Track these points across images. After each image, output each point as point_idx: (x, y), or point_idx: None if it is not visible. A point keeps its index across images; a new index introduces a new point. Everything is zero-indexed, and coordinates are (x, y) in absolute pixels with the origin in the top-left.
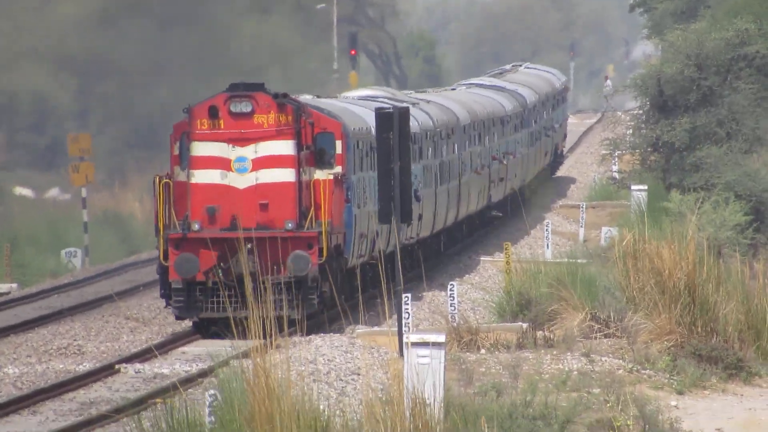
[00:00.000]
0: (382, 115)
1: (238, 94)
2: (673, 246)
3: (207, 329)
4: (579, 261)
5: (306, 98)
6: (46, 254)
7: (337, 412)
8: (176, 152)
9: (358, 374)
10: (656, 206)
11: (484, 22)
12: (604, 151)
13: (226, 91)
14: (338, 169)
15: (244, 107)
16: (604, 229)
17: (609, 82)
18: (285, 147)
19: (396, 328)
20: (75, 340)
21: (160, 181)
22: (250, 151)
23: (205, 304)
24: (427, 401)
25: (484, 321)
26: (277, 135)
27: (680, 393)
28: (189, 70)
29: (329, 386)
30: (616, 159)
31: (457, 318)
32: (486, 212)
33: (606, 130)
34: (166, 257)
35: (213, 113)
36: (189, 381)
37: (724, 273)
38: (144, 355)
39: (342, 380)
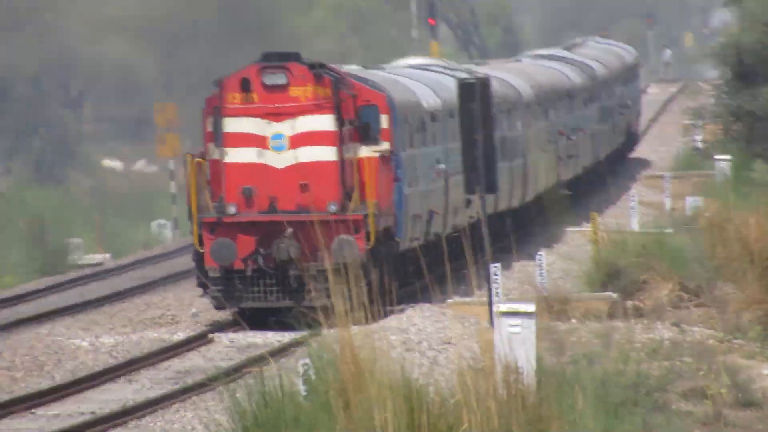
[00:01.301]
0: (464, 86)
1: (271, 65)
2: (759, 215)
3: (250, 319)
4: (666, 230)
5: (350, 68)
6: (135, 226)
7: (430, 381)
8: (209, 128)
9: (450, 344)
10: (741, 176)
11: None
12: (686, 121)
13: (258, 62)
14: (385, 145)
15: (279, 79)
16: (689, 199)
17: (668, 51)
18: (324, 122)
19: (486, 298)
20: (168, 310)
21: (192, 160)
22: (287, 127)
23: (245, 293)
24: (519, 370)
25: (574, 291)
26: (316, 109)
27: None
28: (268, 37)
29: (421, 355)
30: (700, 128)
31: (546, 288)
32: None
33: (688, 99)
34: (201, 243)
35: (245, 86)
36: (282, 351)
37: None
38: (237, 325)
39: (434, 349)
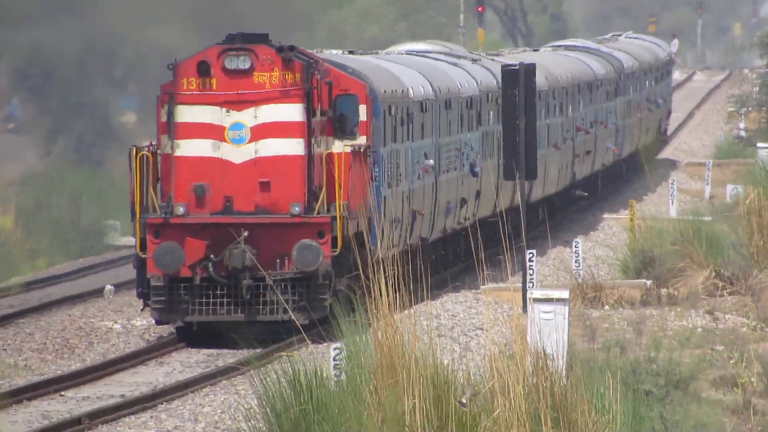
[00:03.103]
0: (507, 72)
1: (234, 47)
2: None
3: (193, 336)
4: (704, 218)
5: (331, 53)
6: None
7: (462, 366)
8: (163, 119)
9: (482, 329)
10: None
11: None
12: (730, 108)
13: (219, 44)
14: (362, 139)
15: (242, 63)
16: (729, 186)
17: (675, 41)
18: (291, 111)
19: (520, 284)
20: None
21: (137, 154)
22: (248, 117)
23: (192, 305)
24: (550, 356)
25: (608, 278)
26: (282, 97)
27: None
28: (313, 24)
29: (453, 341)
30: (743, 116)
31: (581, 274)
32: (570, 191)
33: (733, 88)
34: (143, 247)
35: (203, 70)
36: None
37: None
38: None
39: (466, 335)
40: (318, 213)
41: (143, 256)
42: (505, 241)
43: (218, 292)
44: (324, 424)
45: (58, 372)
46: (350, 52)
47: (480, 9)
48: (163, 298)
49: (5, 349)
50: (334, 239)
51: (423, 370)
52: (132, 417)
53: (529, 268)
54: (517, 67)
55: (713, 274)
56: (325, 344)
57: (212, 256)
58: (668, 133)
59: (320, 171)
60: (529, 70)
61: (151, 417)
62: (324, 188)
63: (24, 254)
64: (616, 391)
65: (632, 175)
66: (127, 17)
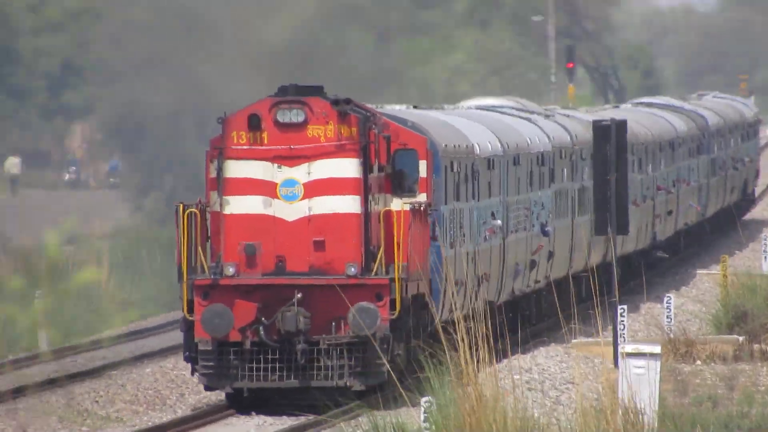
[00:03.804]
0: (599, 128)
1: (287, 99)
2: None
3: (242, 402)
4: None
5: (393, 108)
6: None
7: (552, 420)
8: (213, 174)
9: (573, 383)
10: None
11: (701, 34)
12: None
13: (271, 96)
14: (422, 196)
15: (295, 116)
16: None
17: (752, 98)
18: (347, 167)
19: (611, 339)
20: None
21: (184, 211)
22: (301, 173)
23: (242, 370)
24: (641, 411)
25: (700, 333)
26: (337, 152)
27: None
28: (403, 80)
29: (544, 395)
30: None
31: (673, 329)
32: (650, 252)
33: None
34: (191, 310)
35: (254, 124)
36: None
37: None
38: None
39: (557, 389)
40: (376, 274)
41: (191, 318)
42: (596, 294)
43: (269, 356)
44: None
45: (149, 424)
46: (414, 107)
47: (570, 65)
48: (211, 364)
49: (97, 401)
50: (393, 302)
51: (512, 421)
52: None
53: (621, 323)
54: (609, 123)
55: None
56: (382, 412)
57: (263, 319)
58: (756, 194)
59: (378, 230)
60: (621, 125)
61: None
62: (382, 248)
63: (116, 307)
64: None
65: (718, 236)
66: (219, 71)
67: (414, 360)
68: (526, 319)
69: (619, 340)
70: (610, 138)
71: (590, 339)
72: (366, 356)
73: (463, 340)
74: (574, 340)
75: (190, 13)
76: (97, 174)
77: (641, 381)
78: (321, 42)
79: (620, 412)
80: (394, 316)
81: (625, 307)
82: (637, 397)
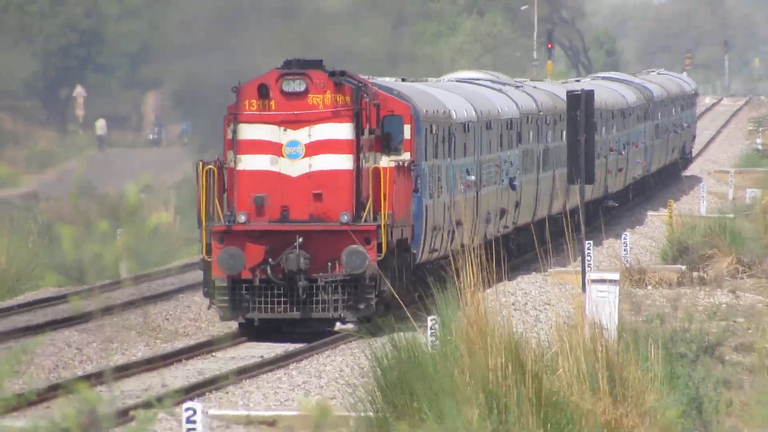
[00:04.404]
0: (572, 96)
1: (291, 71)
2: None
3: (255, 330)
4: (728, 216)
5: (384, 80)
6: None
7: (533, 333)
8: (229, 136)
9: (549, 304)
10: None
11: (656, 21)
12: (750, 127)
13: (278, 68)
14: (406, 155)
15: (298, 86)
16: (749, 190)
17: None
18: (342, 130)
19: (580, 269)
20: None
21: (203, 168)
22: (303, 135)
23: (252, 303)
24: (604, 327)
25: (651, 263)
26: (333, 117)
27: None
28: (417, 58)
29: (526, 314)
30: (760, 133)
31: (629, 260)
32: (602, 202)
33: (752, 111)
34: (209, 252)
35: (263, 92)
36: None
37: None
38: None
39: (537, 309)
40: (365, 221)
41: (209, 259)
42: (568, 232)
43: (276, 292)
44: (422, 381)
45: (210, 336)
46: (402, 80)
47: (549, 45)
48: (226, 298)
49: (167, 319)
50: (380, 245)
51: (502, 336)
52: (269, 374)
53: (587, 256)
54: (580, 93)
55: (735, 260)
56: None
57: (270, 260)
58: (693, 154)
59: (367, 184)
60: (589, 95)
61: (284, 374)
62: (371, 199)
63: (181, 243)
64: (657, 354)
65: (662, 189)
66: (265, 50)
67: (404, 292)
68: (500, 258)
69: (586, 269)
70: (580, 105)
71: (563, 268)
72: (357, 291)
73: (463, 268)
74: (550, 270)
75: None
76: (169, 134)
77: (604, 302)
78: (342, 28)
79: (587, 328)
80: (381, 257)
81: (591, 242)
82: (601, 315)
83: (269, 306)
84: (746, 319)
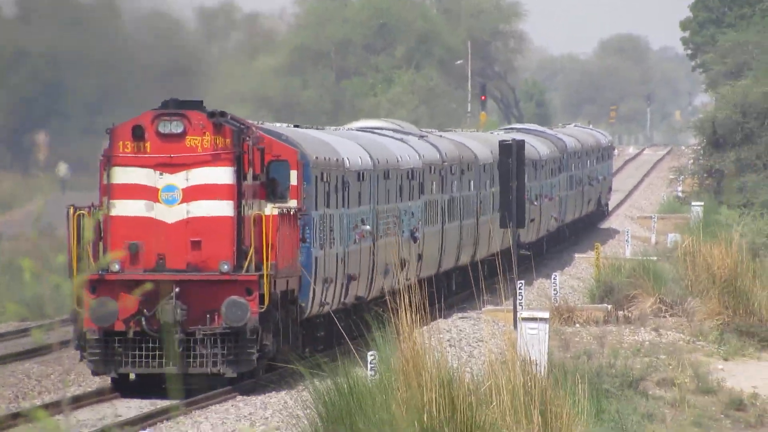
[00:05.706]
0: (503, 145)
1: (168, 111)
2: (721, 248)
3: (127, 386)
4: (651, 258)
5: (270, 125)
6: None
7: (467, 369)
8: (105, 181)
9: (482, 341)
10: (710, 218)
11: (582, 74)
12: (671, 176)
13: (154, 109)
14: (292, 203)
15: (175, 127)
16: (670, 234)
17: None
18: (222, 174)
19: (512, 307)
20: None
21: (74, 213)
22: (180, 179)
23: (125, 357)
24: (535, 362)
25: (579, 302)
26: (213, 160)
27: (725, 359)
28: (363, 106)
29: (460, 350)
30: (681, 182)
31: (558, 300)
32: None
33: (673, 160)
34: (80, 302)
35: (137, 134)
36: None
37: (760, 269)
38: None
39: (471, 345)
40: (246, 271)
41: (80, 310)
42: (500, 274)
43: (151, 345)
44: (361, 413)
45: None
46: (296, 126)
47: (483, 98)
48: (98, 351)
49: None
50: (262, 296)
51: (438, 371)
52: (217, 405)
53: (519, 295)
54: (511, 142)
55: (658, 300)
56: (256, 397)
57: (145, 310)
58: (609, 207)
59: (250, 232)
60: (520, 144)
61: (232, 405)
62: (252, 247)
63: None
64: (584, 389)
65: (579, 237)
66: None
67: (286, 348)
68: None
69: (518, 308)
70: (512, 153)
71: (497, 307)
72: (237, 346)
73: (402, 308)
74: (484, 308)
75: (190, 58)
76: None
77: (534, 339)
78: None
79: (519, 363)
80: (263, 309)
81: (522, 282)
82: (531, 352)
83: (144, 360)
84: (668, 356)
